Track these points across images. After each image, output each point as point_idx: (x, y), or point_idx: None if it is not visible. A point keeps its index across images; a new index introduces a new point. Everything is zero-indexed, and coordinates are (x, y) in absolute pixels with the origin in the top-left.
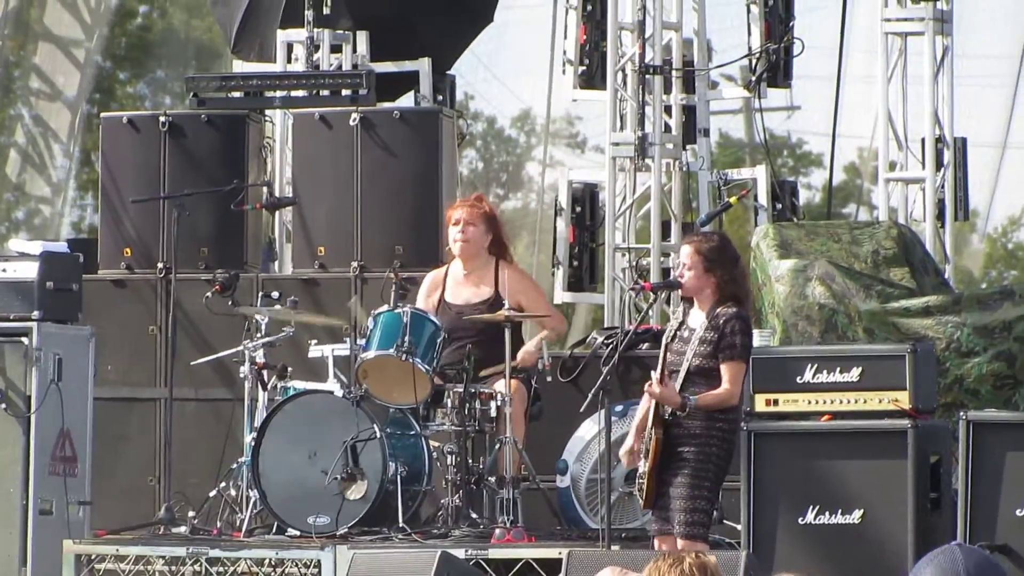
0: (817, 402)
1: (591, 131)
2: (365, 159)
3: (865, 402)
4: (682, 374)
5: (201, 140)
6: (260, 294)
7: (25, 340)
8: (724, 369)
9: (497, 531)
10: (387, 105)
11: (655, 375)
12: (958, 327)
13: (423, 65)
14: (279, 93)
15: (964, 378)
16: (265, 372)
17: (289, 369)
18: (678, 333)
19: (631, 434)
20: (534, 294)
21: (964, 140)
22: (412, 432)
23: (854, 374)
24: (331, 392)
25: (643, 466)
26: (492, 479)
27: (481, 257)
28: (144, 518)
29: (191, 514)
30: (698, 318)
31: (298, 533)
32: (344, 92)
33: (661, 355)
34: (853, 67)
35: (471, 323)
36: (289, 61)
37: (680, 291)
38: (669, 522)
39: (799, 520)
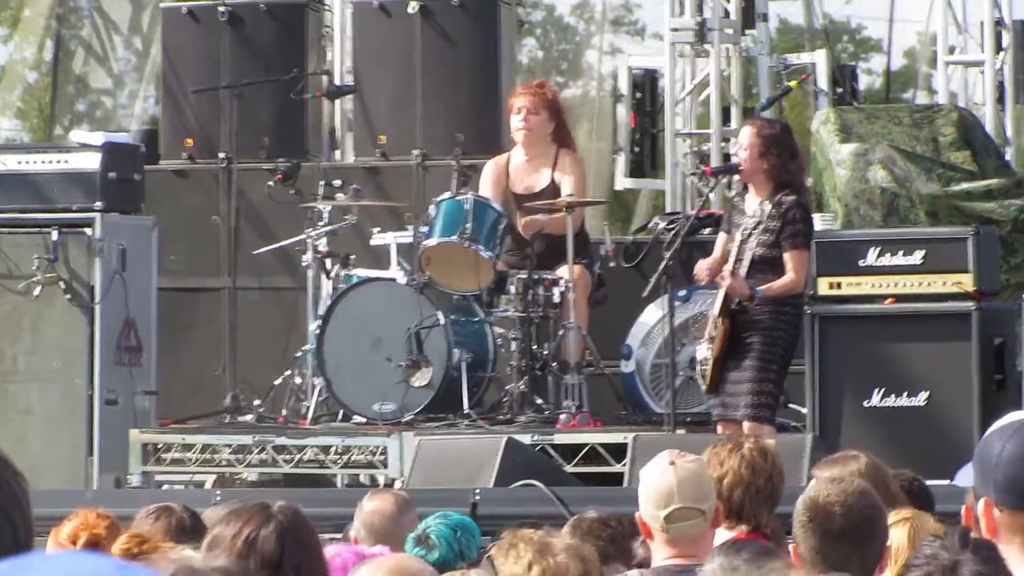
0: (880, 285)
1: (650, 18)
2: (424, 47)
3: (928, 285)
4: (746, 263)
5: (261, 29)
6: (322, 183)
7: (88, 231)
8: (788, 257)
9: (562, 416)
10: None
11: (727, 267)
12: (1021, 210)
13: None
14: None
15: None
16: (328, 260)
17: (352, 257)
18: (737, 219)
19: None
20: (570, 180)
21: (1023, 22)
22: (476, 319)
23: (917, 257)
24: (394, 280)
25: (704, 351)
26: (556, 365)
27: (543, 144)
28: (210, 407)
29: (256, 403)
30: (753, 204)
31: (364, 420)
32: None
33: (735, 247)
34: None
35: (533, 209)
36: None
37: (738, 175)
38: (732, 407)
39: (864, 403)
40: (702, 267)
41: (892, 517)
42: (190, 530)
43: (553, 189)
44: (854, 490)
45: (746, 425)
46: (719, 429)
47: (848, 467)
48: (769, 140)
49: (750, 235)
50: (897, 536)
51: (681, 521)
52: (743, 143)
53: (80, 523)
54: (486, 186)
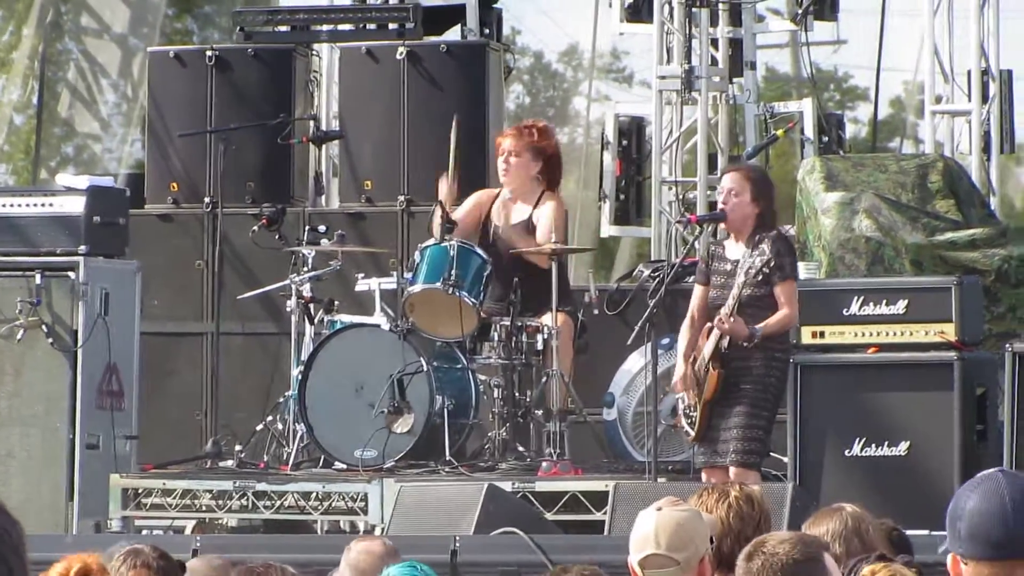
0: (863, 334)
1: (638, 65)
2: (412, 93)
3: (911, 334)
4: (733, 307)
5: (248, 74)
6: (307, 228)
7: (72, 275)
8: (779, 291)
9: (544, 464)
10: (433, 39)
11: (723, 310)
12: (1005, 260)
13: None
14: (326, 27)
15: (1017, 307)
16: (312, 306)
17: (336, 303)
18: (720, 267)
19: (679, 362)
20: (544, 221)
21: (1010, 72)
22: (459, 365)
23: (900, 306)
24: (378, 326)
25: (688, 398)
26: (539, 412)
27: (527, 186)
28: (191, 452)
29: (238, 448)
30: (737, 250)
31: (345, 467)
32: (391, 26)
33: (736, 290)
34: (898, 0)
35: (517, 255)
36: None
37: (724, 223)
38: (721, 453)
39: (846, 452)
40: (677, 383)
41: (874, 568)
42: (161, 573)
43: (528, 226)
44: (791, 538)
45: (732, 471)
46: (703, 476)
47: (832, 520)
48: (761, 182)
49: (734, 278)
50: None
51: (654, 568)
52: (733, 188)
53: (72, 558)
54: (464, 207)
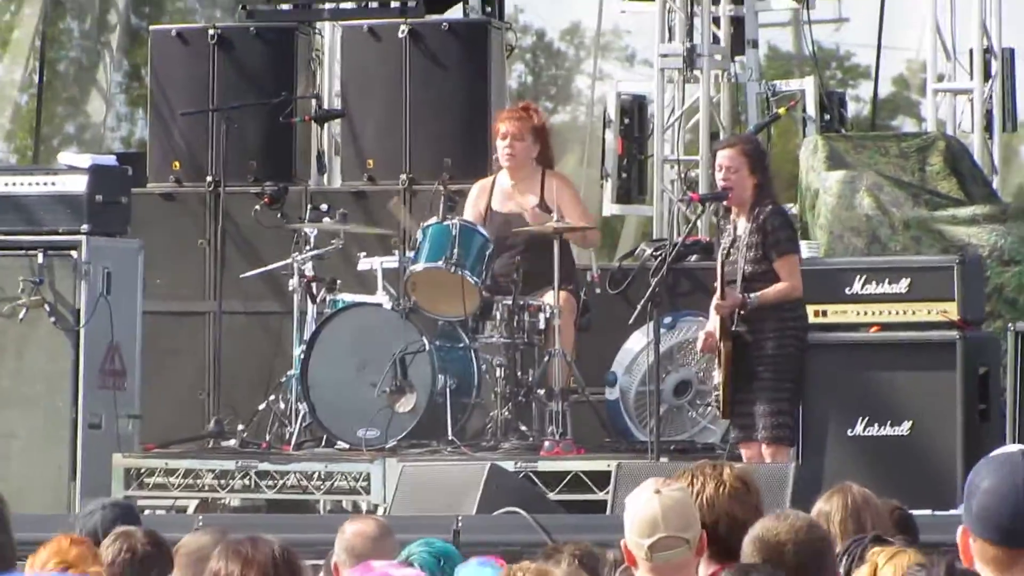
0: (866, 313)
1: (640, 44)
2: (414, 71)
3: (914, 313)
4: (739, 282)
5: (250, 53)
6: (309, 207)
7: (74, 254)
8: (778, 267)
9: (546, 443)
10: (436, 17)
11: (716, 296)
12: (1003, 236)
13: None
14: (328, 5)
15: (1003, 287)
16: (314, 285)
17: (338, 282)
18: (732, 246)
19: (710, 320)
20: (571, 205)
21: (1012, 51)
22: (461, 345)
23: (902, 285)
24: (380, 305)
25: (717, 376)
26: (541, 391)
27: (528, 168)
28: (193, 432)
29: (240, 428)
30: (741, 225)
31: (347, 446)
32: (393, 4)
33: (719, 270)
34: None
35: (519, 233)
36: None
37: (726, 201)
38: (750, 428)
39: (848, 432)
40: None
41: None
42: (146, 559)
43: (543, 209)
44: (802, 525)
45: (765, 447)
46: (742, 452)
47: (839, 499)
48: (756, 154)
49: (730, 253)
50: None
51: (665, 550)
52: (730, 165)
53: (53, 551)
54: (467, 209)
